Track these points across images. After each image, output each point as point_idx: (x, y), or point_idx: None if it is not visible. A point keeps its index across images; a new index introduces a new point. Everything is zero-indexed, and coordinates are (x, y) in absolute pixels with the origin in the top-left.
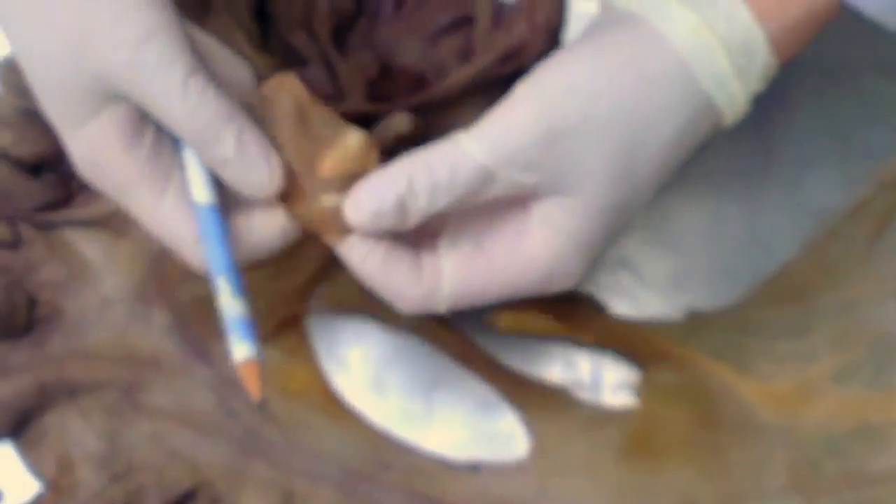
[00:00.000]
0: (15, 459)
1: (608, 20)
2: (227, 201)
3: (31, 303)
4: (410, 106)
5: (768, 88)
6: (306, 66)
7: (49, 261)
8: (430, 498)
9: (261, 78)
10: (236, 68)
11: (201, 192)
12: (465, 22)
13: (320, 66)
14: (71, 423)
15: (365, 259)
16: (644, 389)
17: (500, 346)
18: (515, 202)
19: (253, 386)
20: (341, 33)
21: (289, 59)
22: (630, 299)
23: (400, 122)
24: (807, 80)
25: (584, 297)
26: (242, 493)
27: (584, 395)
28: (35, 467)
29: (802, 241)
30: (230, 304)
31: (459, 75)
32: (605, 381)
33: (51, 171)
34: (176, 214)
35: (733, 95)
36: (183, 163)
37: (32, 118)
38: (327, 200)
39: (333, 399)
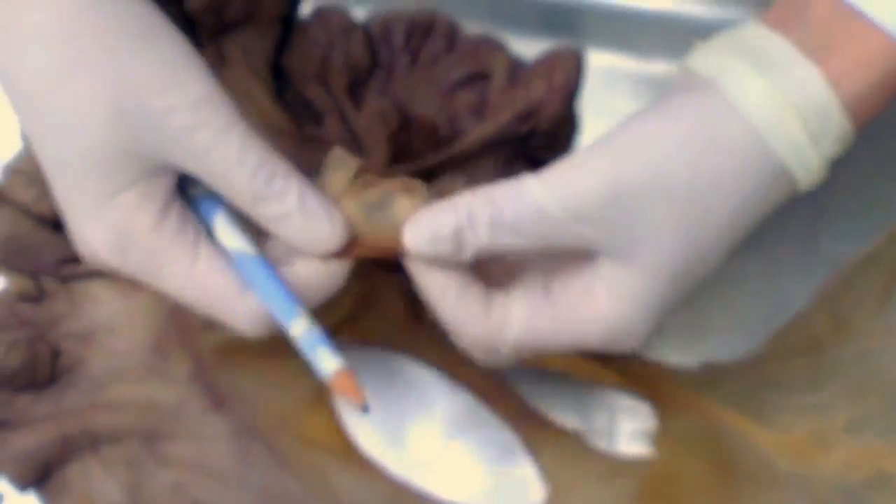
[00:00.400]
0: None
1: (683, 83)
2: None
3: (55, 355)
4: (431, 164)
5: None
6: (322, 120)
7: (71, 314)
8: None
9: (278, 130)
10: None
11: (246, 245)
12: (479, 78)
13: (336, 120)
14: (93, 474)
15: (442, 288)
16: (660, 438)
17: (521, 379)
18: (585, 254)
19: (354, 393)
20: (356, 87)
21: (304, 113)
22: (646, 350)
23: (452, 186)
24: None
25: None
26: None
27: (600, 442)
28: None
29: (816, 291)
30: (307, 326)
31: (478, 132)
32: (621, 429)
33: None
34: (213, 274)
35: (808, 162)
36: (212, 222)
37: None
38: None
39: (351, 448)
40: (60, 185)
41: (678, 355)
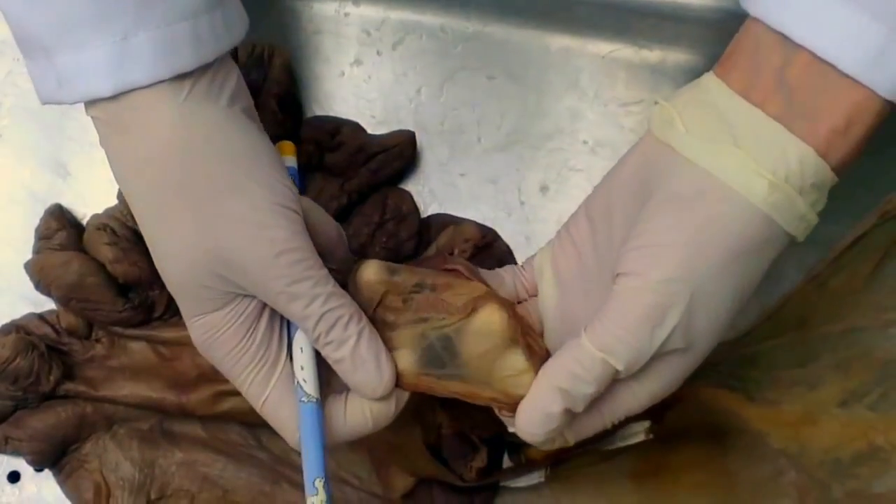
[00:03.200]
0: (54, 486)
1: (685, 185)
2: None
3: (66, 375)
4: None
5: None
6: None
7: (108, 355)
8: None
9: None
10: (328, 225)
11: (309, 386)
12: None
13: None
14: (107, 452)
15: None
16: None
17: None
18: None
19: None
20: None
21: None
22: None
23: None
24: None
25: None
26: None
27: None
28: (73, 493)
29: (806, 271)
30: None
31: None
32: (617, 435)
33: (139, 292)
34: (281, 404)
35: (809, 223)
36: (294, 353)
37: (138, 243)
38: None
39: None
40: (169, 285)
41: None
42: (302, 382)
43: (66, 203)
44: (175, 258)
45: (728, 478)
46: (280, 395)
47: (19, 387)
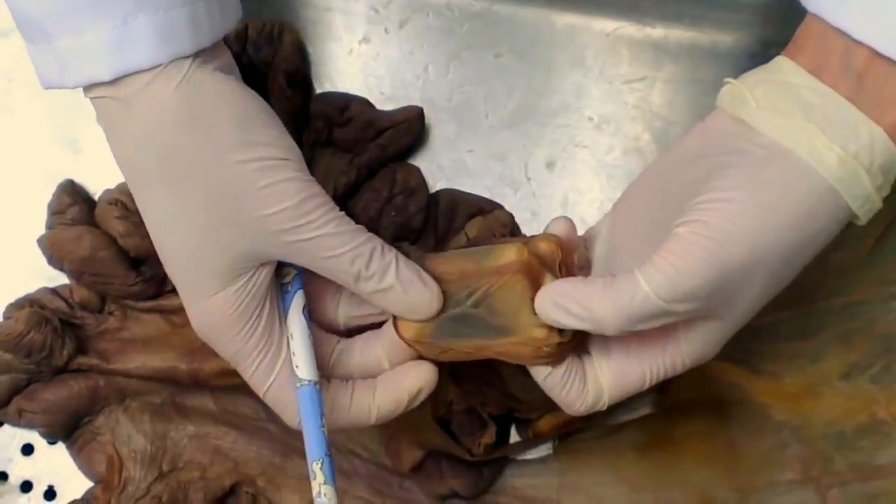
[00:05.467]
0: (67, 458)
1: (755, 150)
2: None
3: (79, 349)
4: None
5: None
6: None
7: (121, 327)
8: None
9: None
10: None
11: (303, 371)
12: None
13: None
14: (119, 425)
15: (546, 378)
16: (659, 399)
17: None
18: None
19: None
20: None
21: None
22: None
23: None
24: None
25: None
26: (281, 489)
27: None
28: (86, 466)
29: None
30: (325, 491)
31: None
32: (622, 408)
33: (150, 266)
34: (285, 389)
35: (872, 204)
36: (289, 339)
37: None
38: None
39: None
40: (171, 269)
41: None
42: (295, 368)
43: (78, 179)
44: (182, 233)
45: (732, 450)
46: (284, 379)
47: (33, 360)
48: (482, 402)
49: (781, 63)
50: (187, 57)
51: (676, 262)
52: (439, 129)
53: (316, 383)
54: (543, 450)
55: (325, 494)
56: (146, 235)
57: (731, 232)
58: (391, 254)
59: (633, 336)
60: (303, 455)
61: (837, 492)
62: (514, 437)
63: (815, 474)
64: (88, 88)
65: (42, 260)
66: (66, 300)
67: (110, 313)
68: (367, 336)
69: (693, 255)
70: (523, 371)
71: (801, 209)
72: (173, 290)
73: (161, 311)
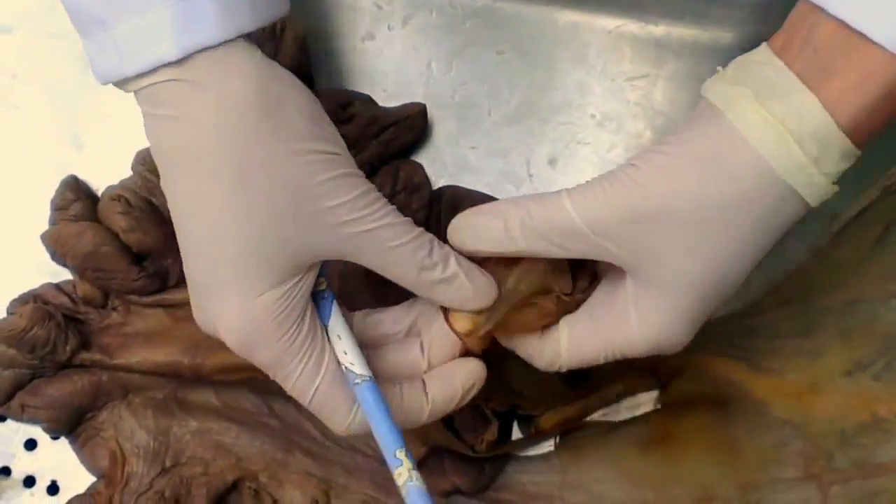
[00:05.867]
0: (70, 454)
1: (699, 113)
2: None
3: (83, 344)
4: None
5: None
6: None
7: (123, 322)
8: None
9: None
10: None
11: (359, 367)
12: None
13: None
14: (123, 420)
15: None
16: (661, 396)
17: None
18: (618, 278)
19: None
20: None
21: None
22: None
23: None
24: None
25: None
26: (284, 484)
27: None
28: (89, 461)
29: (809, 244)
30: (413, 476)
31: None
32: (624, 405)
33: (153, 261)
34: (332, 392)
35: (812, 181)
36: (332, 341)
37: (151, 212)
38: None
39: None
40: (208, 266)
41: None
42: (350, 366)
43: (82, 175)
44: (240, 226)
45: (733, 447)
46: (329, 382)
47: (36, 356)
48: (486, 399)
49: (762, 46)
50: (250, 35)
51: (597, 192)
52: (442, 125)
53: (372, 377)
54: (545, 447)
55: (416, 478)
56: (148, 231)
57: (654, 173)
58: (446, 245)
59: (596, 313)
60: (304, 450)
61: (839, 489)
62: (516, 433)
63: (817, 471)
64: (146, 76)
65: (46, 256)
66: (69, 296)
67: (114, 308)
68: (400, 341)
69: (613, 189)
70: (528, 367)
71: (726, 169)
72: (176, 285)
73: (164, 306)
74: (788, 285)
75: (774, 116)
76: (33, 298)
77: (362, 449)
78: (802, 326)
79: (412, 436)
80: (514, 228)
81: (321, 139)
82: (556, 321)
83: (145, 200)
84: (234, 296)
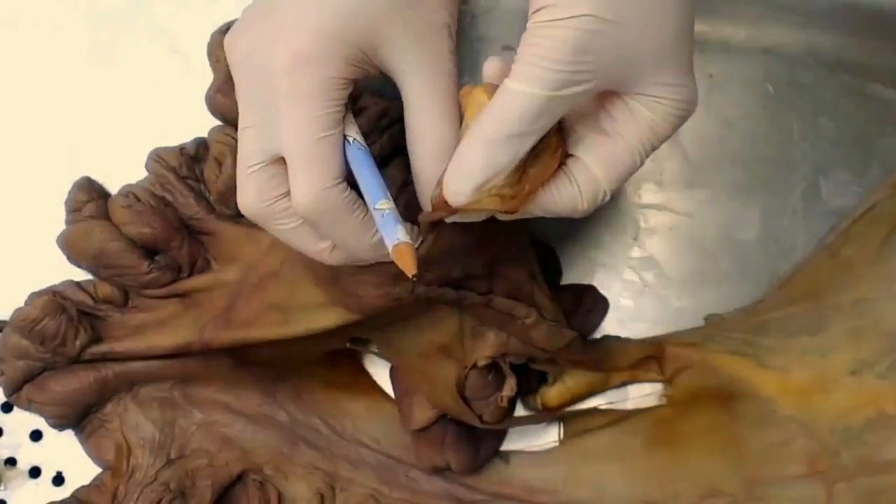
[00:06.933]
0: (76, 445)
1: None
2: None
3: (94, 339)
4: None
5: (789, 101)
6: None
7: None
8: (464, 484)
9: None
10: None
11: (362, 141)
12: None
13: None
14: (128, 412)
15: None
16: (667, 390)
17: None
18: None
19: (407, 264)
20: None
21: None
22: (655, 297)
23: None
24: (825, 92)
25: (612, 340)
26: (288, 477)
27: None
28: (94, 452)
29: (817, 242)
30: (389, 206)
31: None
32: (631, 394)
33: (165, 254)
34: (324, 146)
35: None
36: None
37: (160, 209)
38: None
39: (375, 388)
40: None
41: (687, 300)
42: (355, 136)
43: (87, 168)
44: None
45: (738, 443)
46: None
47: (47, 348)
48: (505, 352)
49: None
50: None
51: (541, 52)
52: None
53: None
54: (550, 442)
55: (386, 206)
56: (148, 222)
57: (571, 2)
58: None
59: (607, 122)
60: (310, 444)
61: (844, 486)
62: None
63: (822, 469)
64: None
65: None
66: (90, 294)
67: (134, 307)
68: None
69: (551, 39)
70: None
71: None
72: (190, 275)
73: (178, 295)
74: (796, 283)
75: None
76: (52, 293)
77: (367, 443)
78: (811, 325)
79: (424, 397)
80: (501, 148)
81: None
82: (566, 151)
83: (158, 198)
84: (303, 94)
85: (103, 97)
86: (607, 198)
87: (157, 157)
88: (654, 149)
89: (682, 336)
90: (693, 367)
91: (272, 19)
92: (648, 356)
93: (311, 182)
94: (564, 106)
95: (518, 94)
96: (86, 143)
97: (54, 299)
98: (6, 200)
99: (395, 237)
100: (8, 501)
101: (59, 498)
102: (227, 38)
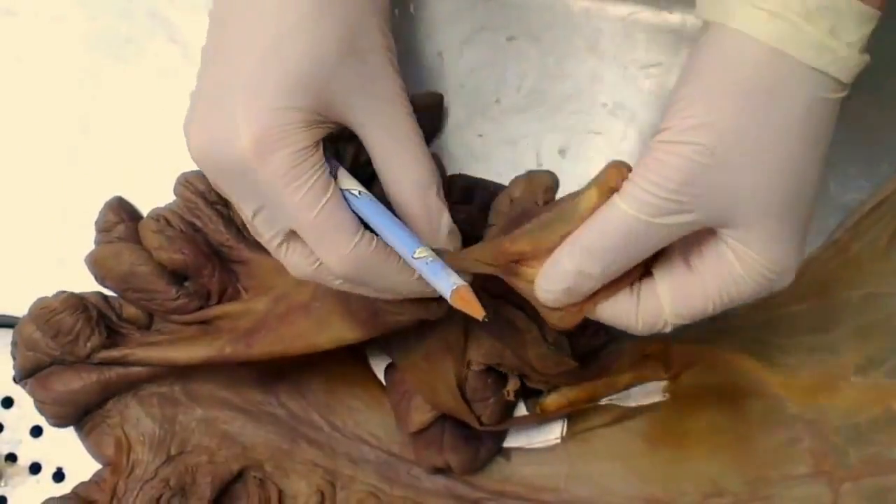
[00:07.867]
0: (76, 441)
1: (702, 40)
2: None
3: (107, 345)
4: None
5: None
6: None
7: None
8: (465, 482)
9: None
10: None
11: (349, 185)
12: None
13: None
14: (129, 408)
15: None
16: (672, 388)
17: None
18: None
19: (473, 307)
20: None
21: None
22: None
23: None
24: None
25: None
26: (289, 474)
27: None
28: (94, 449)
29: (826, 238)
30: (422, 252)
31: None
32: (633, 391)
33: (194, 280)
34: (339, 210)
35: (837, 55)
36: (337, 173)
37: (190, 234)
38: None
39: (376, 382)
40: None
41: None
42: (360, 189)
43: (88, 160)
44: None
45: (743, 442)
46: (336, 206)
47: (58, 343)
48: (498, 363)
49: None
50: None
51: (644, 172)
52: (450, 113)
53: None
54: (551, 439)
55: (433, 257)
56: (180, 249)
57: (690, 128)
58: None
59: (695, 255)
60: (310, 441)
61: (850, 486)
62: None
63: (828, 468)
64: None
65: None
66: (114, 310)
67: (156, 330)
68: None
69: (658, 169)
70: (543, 339)
71: (752, 82)
72: (218, 302)
73: (203, 322)
74: (806, 279)
75: (774, 6)
76: (80, 298)
77: (368, 440)
78: (820, 322)
79: (422, 399)
80: (595, 258)
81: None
82: (641, 273)
83: (187, 223)
84: (270, 90)
85: (103, 88)
86: (667, 329)
87: (185, 182)
88: (731, 304)
89: (688, 333)
90: (699, 365)
91: (222, 106)
92: (648, 356)
93: (330, 252)
94: (667, 234)
95: (621, 213)
96: (86, 133)
97: (77, 295)
98: (6, 198)
99: (448, 282)
100: (8, 498)
101: (59, 494)
102: (185, 130)
